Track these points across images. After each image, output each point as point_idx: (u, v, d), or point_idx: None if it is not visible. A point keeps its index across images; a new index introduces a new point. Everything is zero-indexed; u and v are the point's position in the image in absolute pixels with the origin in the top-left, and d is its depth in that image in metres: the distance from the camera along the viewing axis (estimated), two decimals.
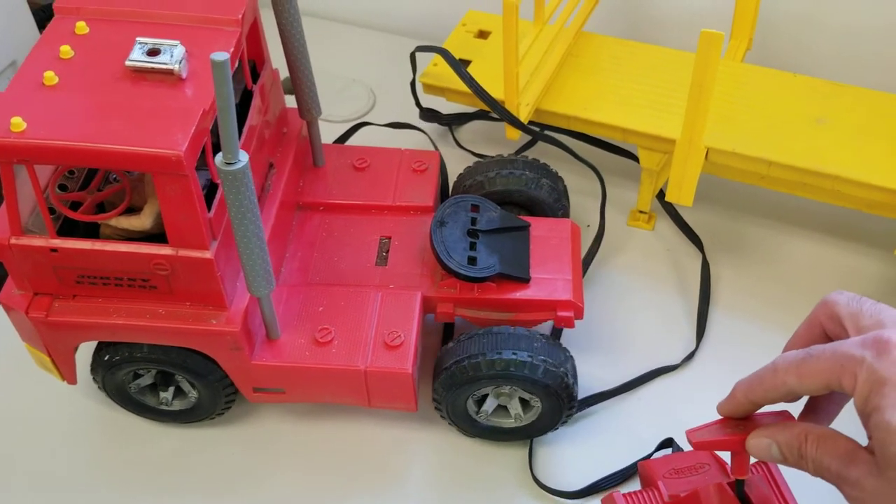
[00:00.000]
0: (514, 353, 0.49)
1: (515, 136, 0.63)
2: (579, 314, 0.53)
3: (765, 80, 0.64)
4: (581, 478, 0.53)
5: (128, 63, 0.44)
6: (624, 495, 0.47)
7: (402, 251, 0.56)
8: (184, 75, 0.45)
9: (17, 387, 0.58)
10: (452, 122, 0.73)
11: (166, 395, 0.53)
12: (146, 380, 0.53)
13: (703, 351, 0.59)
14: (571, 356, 0.52)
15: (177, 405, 0.54)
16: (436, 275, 0.54)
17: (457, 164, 0.66)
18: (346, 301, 0.52)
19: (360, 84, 0.80)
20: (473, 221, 0.55)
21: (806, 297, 0.60)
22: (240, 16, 0.48)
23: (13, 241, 0.45)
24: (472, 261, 0.53)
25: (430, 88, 0.67)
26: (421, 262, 0.55)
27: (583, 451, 0.54)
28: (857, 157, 0.58)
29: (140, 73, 0.45)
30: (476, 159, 0.63)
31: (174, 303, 0.47)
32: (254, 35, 0.52)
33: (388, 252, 0.56)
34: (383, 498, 0.52)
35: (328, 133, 0.70)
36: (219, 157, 0.40)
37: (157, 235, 0.46)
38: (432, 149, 0.66)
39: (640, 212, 0.67)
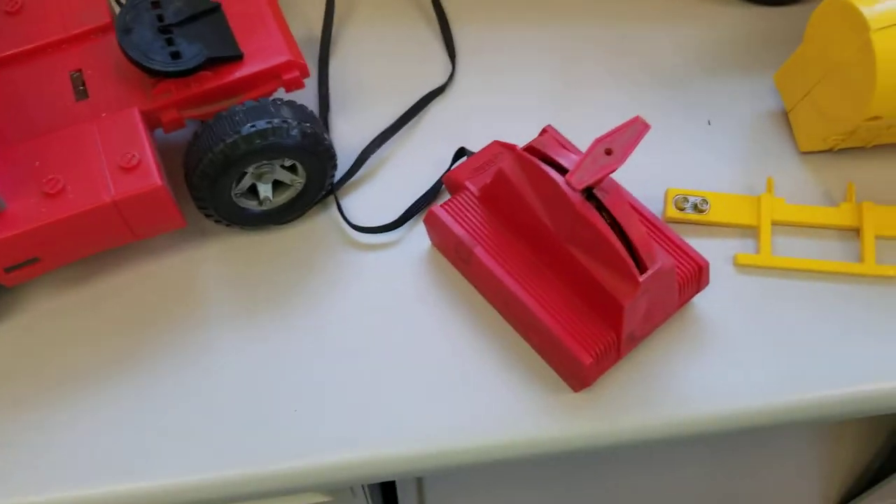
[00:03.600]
0: (259, 124, 0.47)
1: None
2: (304, 71, 0.52)
3: None
4: (395, 212, 0.55)
5: None
6: (441, 206, 0.50)
7: (100, 77, 0.51)
8: None
9: None
10: None
11: None
12: None
13: (461, 65, 0.61)
14: (314, 114, 0.52)
15: None
16: (145, 85, 0.51)
17: None
18: (61, 145, 0.48)
19: None
20: (161, 18, 0.51)
21: None
22: None
23: None
24: (175, 56, 0.50)
25: None
26: (125, 80, 0.51)
27: (386, 191, 0.56)
28: None
29: None
30: None
31: None
32: None
33: (84, 85, 0.51)
34: (194, 332, 0.51)
35: None
36: None
37: None
38: None
39: None
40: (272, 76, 0.52)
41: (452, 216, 0.50)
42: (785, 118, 0.58)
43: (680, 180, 0.56)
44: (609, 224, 0.43)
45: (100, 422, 0.48)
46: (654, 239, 0.49)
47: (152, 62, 0.49)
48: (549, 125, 0.54)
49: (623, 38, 0.63)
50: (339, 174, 0.56)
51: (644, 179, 0.55)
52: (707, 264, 0.48)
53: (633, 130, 0.41)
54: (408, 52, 0.63)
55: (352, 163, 0.56)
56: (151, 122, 0.51)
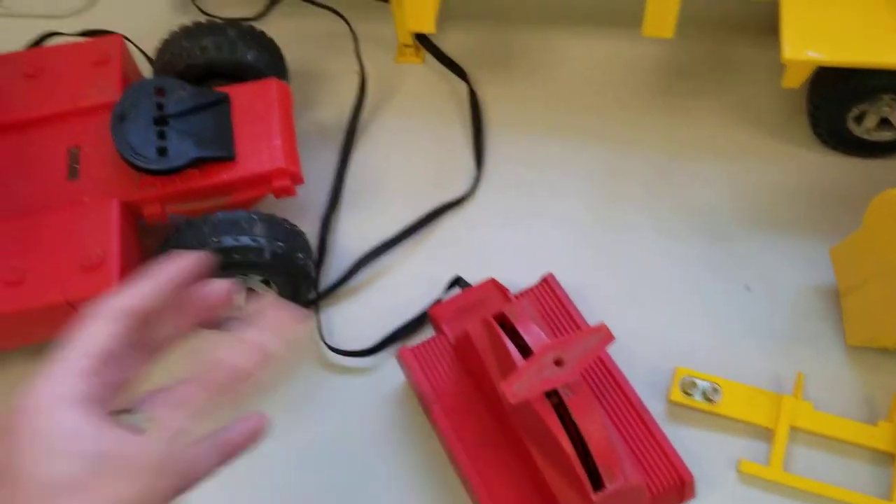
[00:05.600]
0: (226, 240, 0.45)
1: None
2: (297, 179, 0.50)
3: None
4: (378, 332, 0.51)
5: None
6: (412, 349, 0.46)
7: (95, 158, 0.50)
8: None
9: None
10: None
11: None
12: None
13: (485, 178, 0.57)
14: (301, 231, 0.48)
15: None
16: (132, 175, 0.49)
17: None
18: (37, 229, 0.47)
19: None
20: (161, 107, 0.49)
21: (586, 96, 0.59)
22: None
23: None
24: (162, 152, 0.48)
25: None
26: (115, 165, 0.49)
27: (374, 306, 0.52)
28: None
29: None
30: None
31: None
32: None
33: (79, 163, 0.50)
34: None
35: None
36: None
37: None
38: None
39: (406, 45, 0.62)
40: (262, 181, 0.49)
41: (420, 363, 0.46)
42: (837, 300, 0.50)
43: (697, 353, 0.49)
44: (567, 427, 0.37)
45: None
46: (635, 439, 0.42)
47: (136, 157, 0.47)
48: (550, 274, 0.48)
49: (670, 167, 0.56)
50: (333, 276, 0.53)
51: (653, 345, 0.49)
52: (692, 479, 0.42)
53: (594, 340, 0.35)
54: (436, 151, 0.59)
55: (347, 267, 0.53)
56: (134, 211, 0.49)
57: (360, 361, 0.50)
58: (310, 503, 0.46)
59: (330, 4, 0.65)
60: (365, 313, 0.52)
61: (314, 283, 0.50)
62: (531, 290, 0.48)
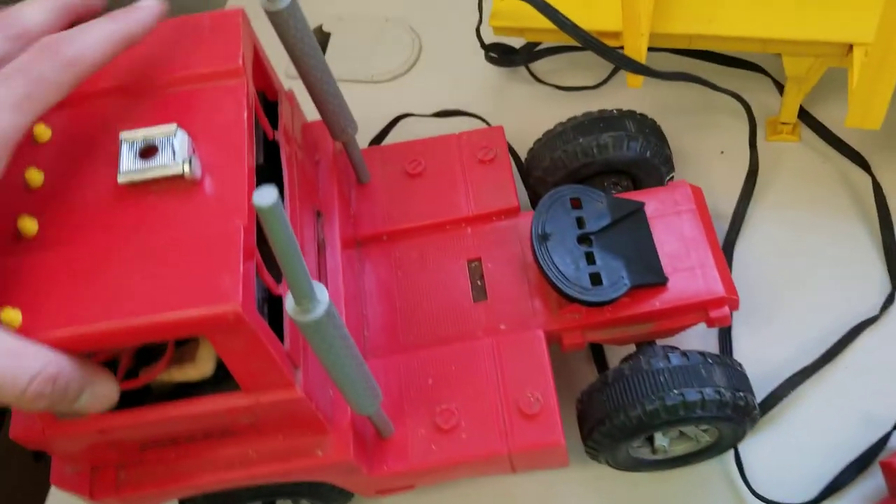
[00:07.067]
0: (689, 394, 0.39)
1: (638, 84, 0.51)
2: (734, 305, 0.44)
3: None
4: (802, 480, 0.45)
5: (121, 179, 0.33)
6: None
7: (500, 275, 0.46)
8: (198, 175, 0.33)
9: None
10: (529, 59, 0.60)
11: None
12: None
13: None
14: (741, 364, 0.43)
15: None
16: (550, 298, 0.44)
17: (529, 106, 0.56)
18: (456, 363, 0.43)
19: (398, 24, 0.66)
20: (580, 222, 0.44)
21: None
22: (240, 60, 0.36)
23: (48, 430, 0.35)
24: (595, 279, 0.43)
25: (503, 31, 0.54)
26: (526, 283, 0.45)
27: (795, 447, 0.46)
28: None
29: (140, 188, 0.33)
30: (553, 122, 0.51)
31: (264, 441, 0.38)
32: (257, 65, 0.39)
33: (482, 280, 0.46)
34: None
35: (367, 99, 0.59)
36: (290, 305, 0.29)
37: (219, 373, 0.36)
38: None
39: (783, 123, 0.55)
40: (696, 310, 0.43)
41: None
42: None
43: None
44: None
45: None
46: None
47: (569, 286, 0.42)
48: None
49: None
50: None
51: None
52: None
53: None
54: (832, 251, 0.52)
55: (761, 397, 0.47)
56: (550, 338, 0.44)
57: None
58: None
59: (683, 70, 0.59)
60: (782, 453, 0.46)
61: (754, 421, 0.43)
62: None
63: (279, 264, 0.27)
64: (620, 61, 0.48)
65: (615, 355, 0.48)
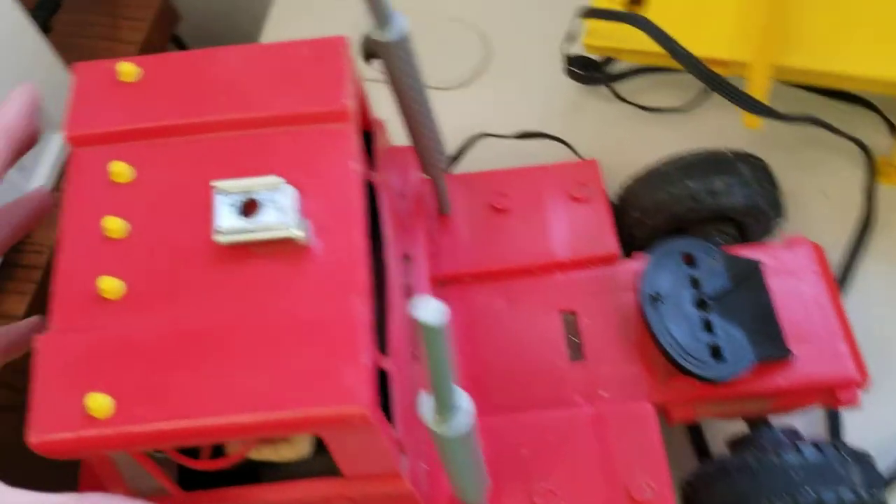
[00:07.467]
0: (826, 496, 0.35)
1: (757, 125, 0.46)
2: (863, 386, 0.40)
3: None
4: None
5: (221, 238, 0.28)
6: None
7: (598, 331, 0.41)
8: (311, 241, 0.28)
9: None
10: (614, 78, 0.56)
11: None
12: None
13: None
14: (873, 460, 0.39)
15: None
16: (657, 364, 0.40)
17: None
18: (553, 432, 0.39)
19: (465, 26, 0.60)
20: (694, 282, 0.40)
21: None
22: (347, 101, 0.31)
23: None
24: (715, 351, 0.38)
25: (597, 50, 0.49)
26: (627, 344, 0.41)
27: None
28: None
29: (239, 249, 0.28)
30: (654, 163, 0.46)
31: None
32: (359, 101, 0.34)
33: (579, 336, 0.41)
34: None
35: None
36: (428, 412, 0.25)
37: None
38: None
39: (893, 166, 0.51)
40: (822, 390, 0.39)
41: None
42: None
43: None
44: None
45: None
46: None
47: (687, 360, 0.38)
48: None
49: None
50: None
51: None
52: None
53: None
54: None
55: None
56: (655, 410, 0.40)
57: None
58: None
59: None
60: None
61: None
62: None
63: (429, 379, 0.23)
64: (742, 101, 0.44)
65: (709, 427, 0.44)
